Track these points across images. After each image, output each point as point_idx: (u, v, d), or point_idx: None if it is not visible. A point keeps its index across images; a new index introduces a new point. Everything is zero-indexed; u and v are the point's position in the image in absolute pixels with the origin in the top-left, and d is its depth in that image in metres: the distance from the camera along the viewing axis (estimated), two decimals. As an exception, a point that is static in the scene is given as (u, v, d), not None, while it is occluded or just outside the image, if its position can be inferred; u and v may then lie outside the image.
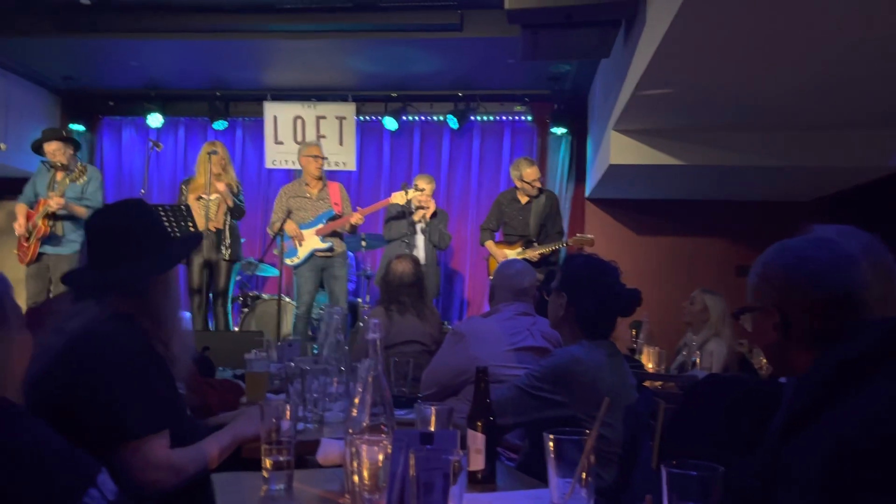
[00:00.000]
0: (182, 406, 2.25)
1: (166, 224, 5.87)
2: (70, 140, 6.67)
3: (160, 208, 6.05)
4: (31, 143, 6.70)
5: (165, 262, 2.21)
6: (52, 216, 6.41)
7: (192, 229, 6.04)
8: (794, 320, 1.59)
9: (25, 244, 6.46)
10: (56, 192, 6.34)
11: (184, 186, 6.85)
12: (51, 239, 6.46)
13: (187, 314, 6.80)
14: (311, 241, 6.71)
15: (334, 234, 6.77)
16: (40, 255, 6.46)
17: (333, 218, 6.77)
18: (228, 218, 6.57)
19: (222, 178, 6.59)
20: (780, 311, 1.60)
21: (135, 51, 7.66)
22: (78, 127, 9.04)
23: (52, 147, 6.49)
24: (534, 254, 6.93)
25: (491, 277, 4.44)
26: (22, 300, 6.31)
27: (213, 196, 6.50)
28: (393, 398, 1.74)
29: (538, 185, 7.11)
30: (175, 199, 8.54)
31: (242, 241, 7.04)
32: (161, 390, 2.08)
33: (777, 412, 1.67)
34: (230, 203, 6.52)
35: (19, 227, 6.44)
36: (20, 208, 6.52)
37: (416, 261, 4.66)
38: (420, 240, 7.26)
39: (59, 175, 6.51)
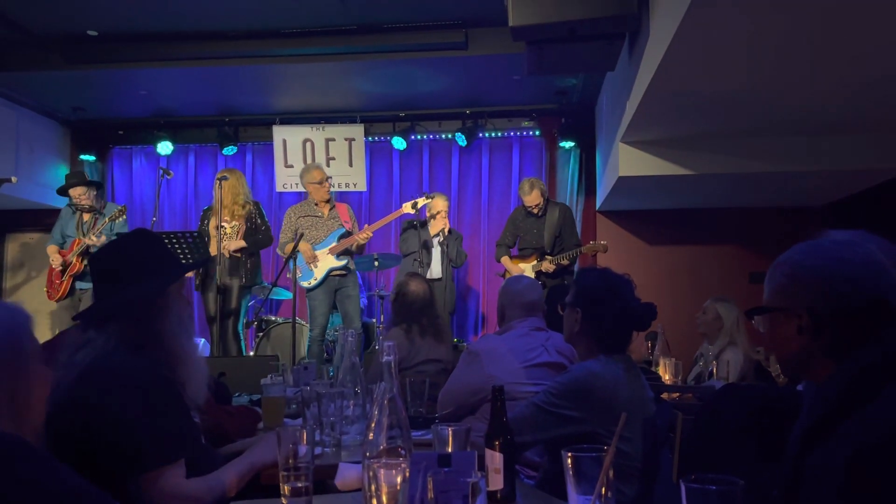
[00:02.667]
0: (197, 434, 2.24)
1: (177, 250, 5.91)
2: (93, 183, 6.96)
3: (171, 236, 6.07)
4: (57, 189, 7.09)
5: (156, 285, 2.19)
6: (87, 254, 6.67)
7: (201, 253, 6.07)
8: (826, 324, 1.54)
9: (58, 281, 6.74)
10: (93, 231, 6.68)
11: (206, 212, 6.92)
12: (84, 275, 6.72)
13: (203, 340, 6.83)
14: (327, 261, 6.71)
15: (346, 252, 6.78)
16: (72, 290, 6.76)
17: (345, 235, 6.78)
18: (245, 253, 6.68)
19: (236, 211, 6.64)
20: (811, 313, 1.55)
21: (143, 80, 7.74)
22: (88, 157, 9.12)
23: (77, 191, 6.81)
24: (549, 265, 6.93)
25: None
26: (47, 334, 6.42)
27: (231, 223, 6.56)
28: (409, 418, 1.73)
29: (538, 209, 7.14)
30: (187, 226, 8.61)
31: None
32: (174, 419, 2.06)
33: (797, 420, 1.64)
34: (238, 246, 6.60)
35: (55, 262, 6.76)
36: (51, 248, 6.87)
37: (426, 279, 4.67)
38: (436, 255, 7.26)
39: (86, 217, 6.84)
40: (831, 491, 1.32)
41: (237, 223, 6.62)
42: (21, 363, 1.53)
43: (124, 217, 6.78)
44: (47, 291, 6.80)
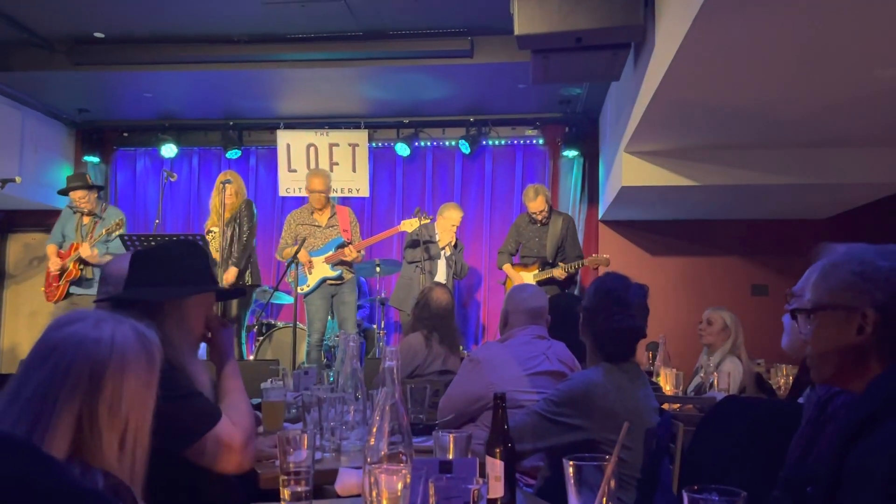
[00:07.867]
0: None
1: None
2: (94, 187, 6.95)
3: (173, 238, 6.08)
4: (58, 190, 7.08)
5: (180, 290, 2.23)
6: (82, 261, 6.69)
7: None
8: (893, 324, 1.52)
9: (55, 284, 6.75)
10: (88, 240, 6.64)
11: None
12: (80, 281, 6.74)
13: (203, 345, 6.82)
14: (321, 269, 6.72)
15: (343, 261, 6.78)
16: (69, 293, 6.75)
17: (342, 245, 6.78)
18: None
19: (227, 216, 6.54)
20: (882, 312, 1.52)
21: (148, 82, 7.75)
22: (92, 158, 9.12)
23: (77, 195, 6.77)
24: (561, 273, 6.92)
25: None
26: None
27: (218, 226, 6.54)
28: (410, 425, 1.72)
29: (542, 216, 7.15)
30: (189, 229, 8.61)
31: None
32: (197, 393, 2.13)
33: (798, 430, 1.63)
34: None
35: (53, 266, 6.75)
36: (51, 248, 6.86)
37: (450, 290, 4.70)
38: (441, 266, 7.25)
39: (86, 220, 6.83)
40: (876, 485, 1.31)
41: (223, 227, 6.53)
42: (151, 384, 1.53)
43: (121, 230, 6.62)
44: (45, 293, 6.81)
